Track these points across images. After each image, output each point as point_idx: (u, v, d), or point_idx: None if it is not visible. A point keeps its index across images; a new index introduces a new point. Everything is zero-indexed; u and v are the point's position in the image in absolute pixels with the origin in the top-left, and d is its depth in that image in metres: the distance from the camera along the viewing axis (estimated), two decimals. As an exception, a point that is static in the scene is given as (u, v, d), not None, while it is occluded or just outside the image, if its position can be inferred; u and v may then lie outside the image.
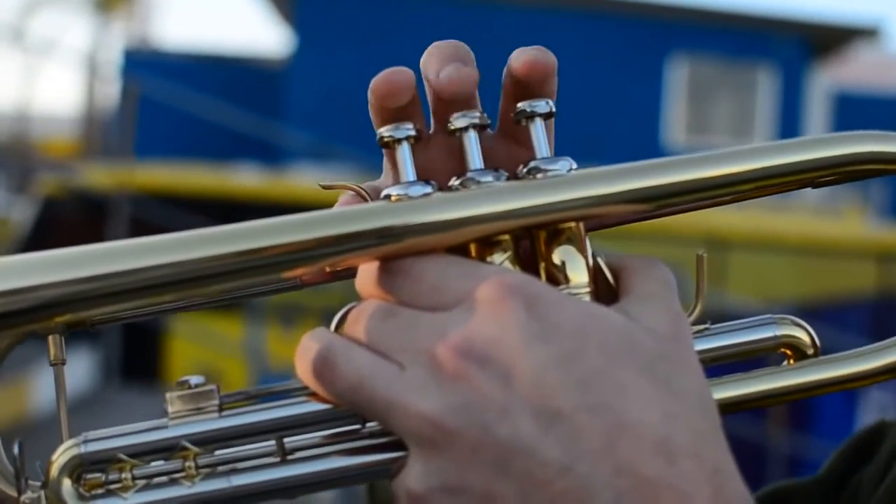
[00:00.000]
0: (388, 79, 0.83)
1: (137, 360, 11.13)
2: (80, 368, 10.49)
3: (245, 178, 12.68)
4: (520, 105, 0.84)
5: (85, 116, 29.19)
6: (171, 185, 11.81)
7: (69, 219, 11.86)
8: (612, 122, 17.10)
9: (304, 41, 18.31)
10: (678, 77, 18.35)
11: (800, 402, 10.45)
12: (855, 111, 19.58)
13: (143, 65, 18.60)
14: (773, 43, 18.15)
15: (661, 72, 18.24)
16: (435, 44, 0.85)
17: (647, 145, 16.58)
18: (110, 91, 25.76)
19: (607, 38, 17.65)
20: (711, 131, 18.39)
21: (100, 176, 12.46)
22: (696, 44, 18.16)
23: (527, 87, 0.85)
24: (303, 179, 12.61)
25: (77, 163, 17.50)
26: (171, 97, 12.48)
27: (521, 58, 0.84)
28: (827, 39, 19.07)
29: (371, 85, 0.83)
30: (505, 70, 0.86)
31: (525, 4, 17.50)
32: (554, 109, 0.84)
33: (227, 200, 11.27)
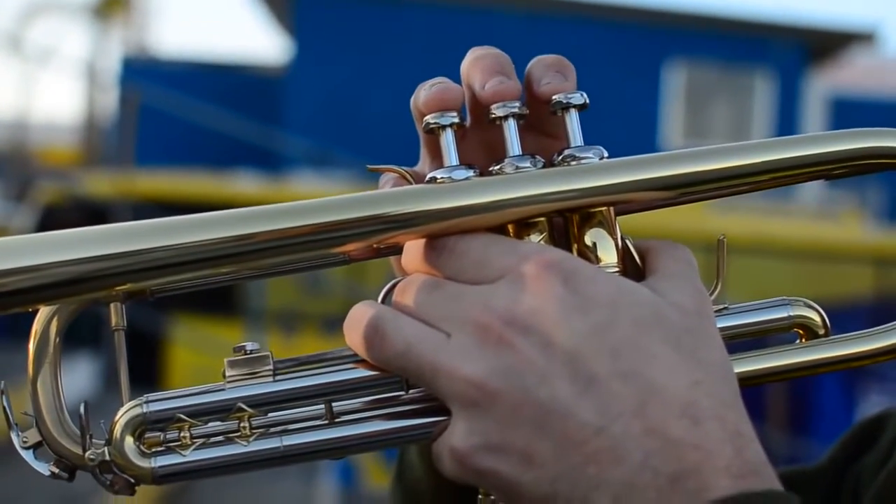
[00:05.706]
0: (440, 95, 0.88)
1: (138, 366, 11.08)
2: (82, 375, 10.52)
3: (245, 185, 12.71)
4: (556, 97, 0.89)
5: (84, 124, 29.14)
6: (172, 193, 11.82)
7: (70, 227, 11.82)
8: (610, 126, 17.08)
9: (302, 48, 18.33)
10: (676, 82, 18.40)
11: (799, 404, 10.47)
12: (852, 115, 19.57)
13: (142, 72, 18.64)
14: (770, 48, 18.20)
15: (658, 77, 18.28)
16: (477, 53, 0.90)
17: (645, 150, 16.50)
18: (109, 99, 25.76)
19: (605, 43, 17.68)
20: (709, 136, 18.40)
21: (101, 184, 12.49)
22: (693, 49, 18.20)
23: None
24: (302, 186, 12.63)
25: (77, 171, 17.51)
26: (171, 105, 12.50)
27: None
28: (824, 44, 19.11)
29: (422, 97, 0.89)
30: (527, 69, 0.91)
31: (523, 10, 17.54)
32: (588, 101, 0.89)
33: (227, 207, 11.21)
